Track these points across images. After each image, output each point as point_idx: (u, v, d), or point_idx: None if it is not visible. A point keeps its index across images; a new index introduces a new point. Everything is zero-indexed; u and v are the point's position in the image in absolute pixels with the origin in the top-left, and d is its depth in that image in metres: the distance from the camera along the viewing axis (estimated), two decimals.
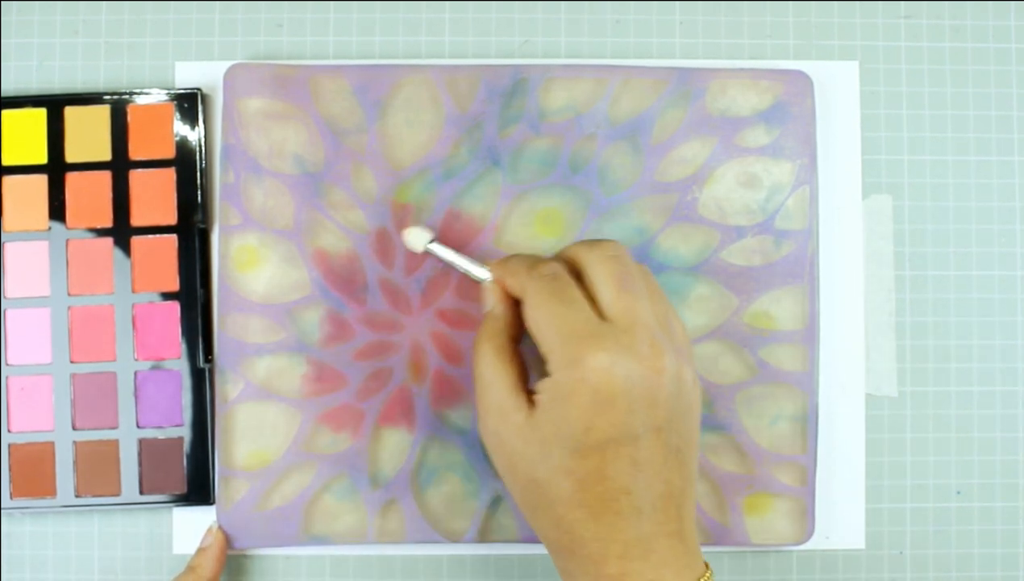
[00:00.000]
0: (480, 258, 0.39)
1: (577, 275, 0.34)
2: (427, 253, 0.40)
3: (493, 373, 0.34)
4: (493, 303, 0.36)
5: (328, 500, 0.41)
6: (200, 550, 0.40)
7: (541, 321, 0.33)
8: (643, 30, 0.43)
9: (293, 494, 0.41)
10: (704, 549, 0.42)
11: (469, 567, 0.42)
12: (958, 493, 0.43)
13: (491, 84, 0.42)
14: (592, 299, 0.33)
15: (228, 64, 0.42)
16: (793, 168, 0.42)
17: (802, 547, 0.42)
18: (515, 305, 0.35)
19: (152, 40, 0.43)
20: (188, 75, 0.43)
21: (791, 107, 0.42)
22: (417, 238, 0.40)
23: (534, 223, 0.42)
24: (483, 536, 0.41)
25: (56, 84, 0.43)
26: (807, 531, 0.41)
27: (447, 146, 0.42)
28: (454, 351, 0.42)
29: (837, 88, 0.43)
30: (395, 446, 0.41)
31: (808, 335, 0.42)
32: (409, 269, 0.42)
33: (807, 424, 0.42)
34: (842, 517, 0.43)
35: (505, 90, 0.42)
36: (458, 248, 0.41)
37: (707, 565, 0.34)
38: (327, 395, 0.41)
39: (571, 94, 0.42)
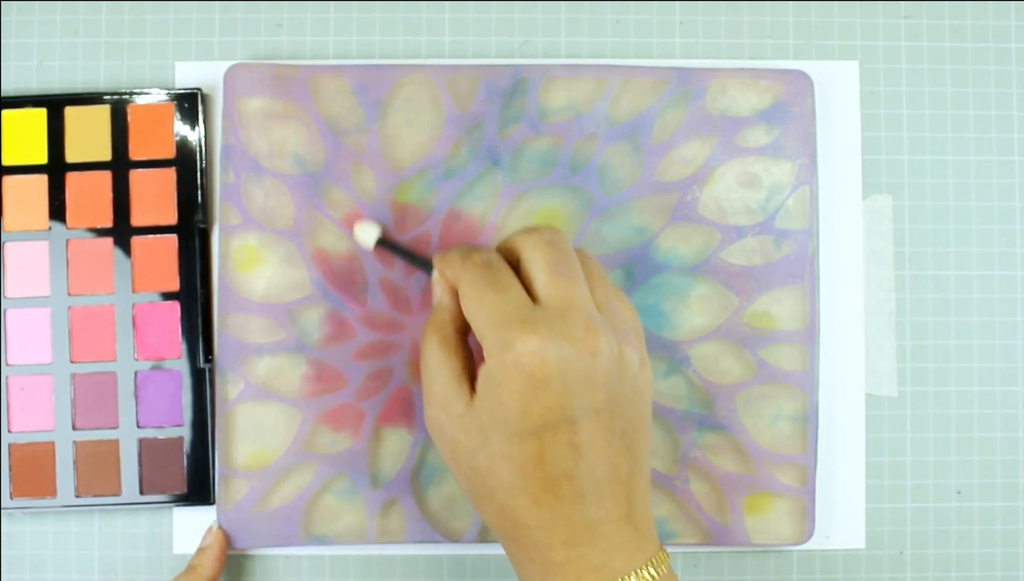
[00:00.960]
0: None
1: (515, 264, 0.34)
2: (378, 248, 0.40)
3: (437, 363, 0.34)
4: (439, 295, 0.36)
5: (328, 500, 0.41)
6: (200, 550, 0.40)
7: (474, 309, 0.33)
8: (643, 30, 0.43)
9: (293, 494, 0.41)
10: (704, 549, 0.42)
11: (469, 567, 0.42)
12: (958, 493, 0.43)
13: (491, 84, 0.42)
14: (527, 285, 0.33)
15: (228, 64, 0.42)
16: (793, 168, 0.42)
17: (802, 547, 0.42)
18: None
19: (152, 40, 0.43)
20: (188, 75, 0.43)
21: (791, 107, 0.42)
22: (366, 234, 0.40)
23: (534, 223, 0.42)
24: (483, 536, 0.41)
25: (56, 84, 0.43)
26: (807, 531, 0.41)
27: (447, 146, 0.42)
28: None
29: (837, 88, 0.43)
30: (395, 446, 0.41)
31: (808, 335, 0.42)
32: (409, 269, 0.42)
33: (807, 424, 0.42)
34: (842, 517, 0.43)
35: (505, 90, 0.42)
36: None
37: (662, 547, 0.34)
38: (327, 395, 0.41)
39: (571, 94, 0.42)
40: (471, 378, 0.34)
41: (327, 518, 0.41)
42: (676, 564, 0.42)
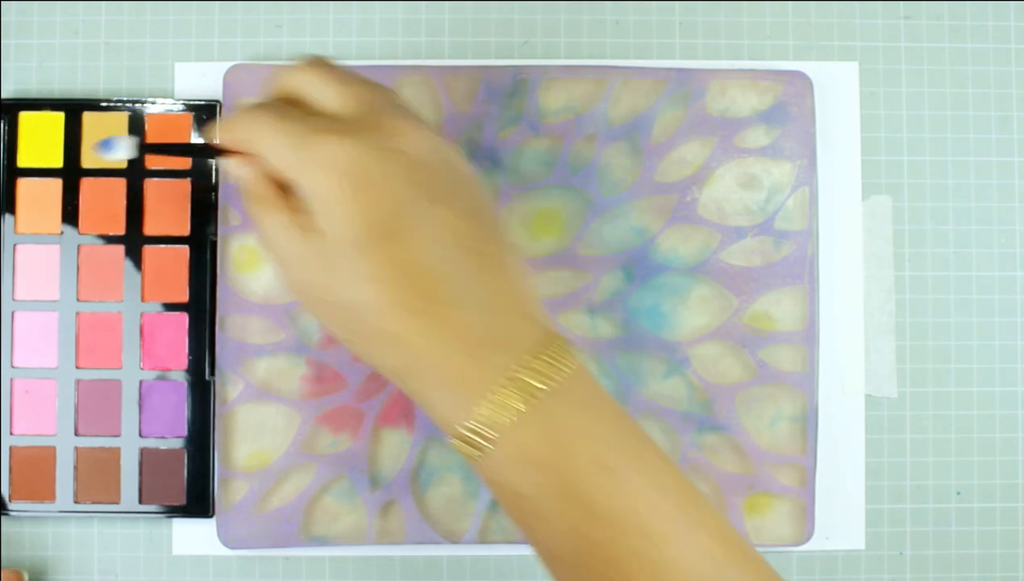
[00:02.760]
0: None
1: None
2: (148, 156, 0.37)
3: (271, 221, 0.31)
4: (239, 171, 0.32)
5: (328, 501, 0.41)
6: None
7: (276, 148, 0.30)
8: (643, 31, 0.43)
9: (293, 495, 0.41)
10: None
11: (469, 567, 0.42)
12: (958, 494, 0.43)
13: (491, 85, 0.42)
14: (320, 112, 0.31)
15: (228, 65, 0.42)
16: (793, 169, 0.42)
17: (802, 548, 0.42)
18: (258, 162, 0.32)
19: (152, 41, 0.43)
20: (188, 76, 0.43)
21: (791, 108, 0.42)
22: (123, 148, 0.34)
23: (534, 223, 0.42)
24: (483, 537, 0.41)
25: (56, 85, 0.43)
26: (807, 532, 0.41)
27: None
28: None
29: (837, 89, 0.43)
30: (395, 447, 0.41)
31: (808, 336, 0.42)
32: None
33: (807, 425, 0.42)
34: (842, 518, 0.42)
35: (505, 91, 0.42)
36: None
37: (566, 339, 0.31)
38: (327, 396, 0.41)
39: (571, 94, 0.42)
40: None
41: (327, 519, 0.41)
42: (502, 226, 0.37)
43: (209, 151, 0.34)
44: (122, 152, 0.33)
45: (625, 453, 0.29)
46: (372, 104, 0.31)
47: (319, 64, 0.32)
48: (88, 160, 0.42)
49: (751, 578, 0.29)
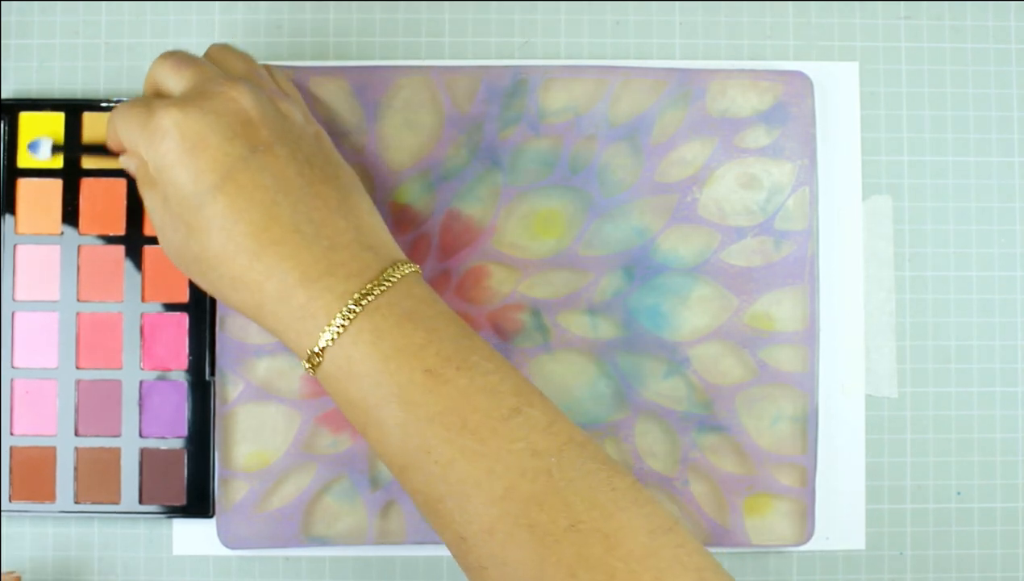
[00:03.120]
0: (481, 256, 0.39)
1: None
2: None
3: (147, 207, 0.35)
4: (125, 163, 0.37)
5: (328, 501, 0.41)
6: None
7: (129, 130, 0.34)
8: (643, 31, 0.43)
9: (293, 495, 0.41)
10: None
11: None
12: (958, 494, 0.43)
13: (491, 85, 0.42)
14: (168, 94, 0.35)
15: None
16: (793, 169, 0.42)
17: (802, 548, 0.42)
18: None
19: (152, 41, 0.43)
20: None
21: (791, 108, 0.42)
22: (46, 147, 0.41)
23: (534, 224, 0.42)
24: None
25: (56, 85, 0.43)
26: (807, 532, 0.41)
27: (446, 147, 0.42)
28: None
29: (837, 89, 0.43)
30: None
31: (808, 336, 0.42)
32: None
33: (807, 425, 0.42)
34: (842, 518, 0.42)
35: (505, 91, 0.42)
36: (458, 249, 0.41)
37: (407, 261, 0.34)
38: (327, 396, 0.41)
39: (571, 95, 0.42)
40: None
41: (327, 519, 0.41)
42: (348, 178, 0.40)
43: (106, 150, 0.38)
44: (44, 152, 0.40)
45: (448, 358, 0.32)
46: (205, 77, 0.34)
47: (168, 55, 0.35)
48: (88, 160, 0.42)
49: (576, 469, 0.31)
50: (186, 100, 0.33)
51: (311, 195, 0.33)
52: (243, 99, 0.33)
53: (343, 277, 0.32)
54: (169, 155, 0.33)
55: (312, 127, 0.36)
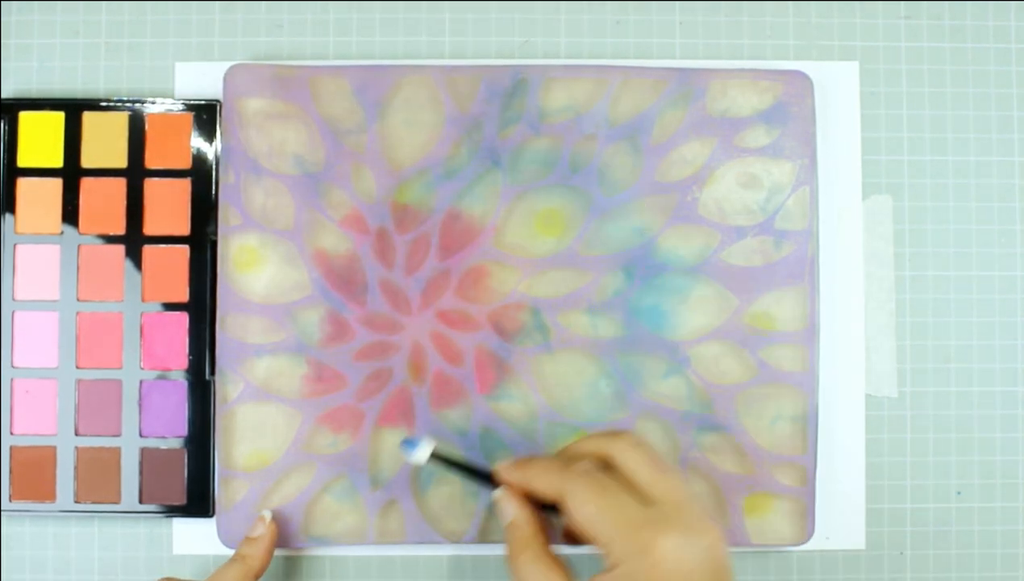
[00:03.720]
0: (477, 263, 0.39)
1: (605, 467, 0.35)
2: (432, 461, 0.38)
3: (532, 577, 0.34)
4: (512, 511, 0.36)
5: (328, 501, 0.41)
6: (250, 539, 0.40)
7: (594, 516, 0.33)
8: (643, 30, 0.43)
9: (293, 495, 0.41)
10: None
11: (469, 567, 0.42)
12: (958, 494, 0.43)
13: (491, 84, 0.42)
14: (630, 487, 0.34)
15: (228, 65, 0.42)
16: (793, 168, 0.42)
17: (802, 547, 0.42)
18: (534, 508, 0.36)
19: (152, 41, 0.43)
20: (188, 76, 0.43)
21: (791, 107, 0.42)
22: (421, 452, 0.37)
23: (534, 223, 0.42)
24: (483, 536, 0.41)
25: (56, 85, 0.43)
26: (807, 531, 0.41)
27: (447, 146, 0.42)
28: (454, 352, 0.42)
29: (837, 88, 0.43)
30: (395, 447, 0.41)
31: (808, 335, 0.42)
32: (409, 269, 0.42)
33: (807, 424, 0.42)
34: (842, 517, 0.43)
35: (505, 90, 0.42)
36: (458, 249, 0.41)
37: None
38: (327, 395, 0.41)
39: (571, 94, 0.42)
40: None
41: (327, 519, 0.41)
42: None
43: (493, 481, 0.37)
44: (420, 455, 0.37)
45: None
46: (686, 499, 0.34)
47: (637, 443, 0.35)
48: (88, 160, 0.42)
49: None
50: (682, 527, 0.33)
51: None
52: (721, 545, 0.33)
53: None
54: (650, 580, 0.32)
55: None
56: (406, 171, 0.42)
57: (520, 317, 0.42)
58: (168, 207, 0.42)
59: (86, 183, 0.42)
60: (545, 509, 0.35)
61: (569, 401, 0.42)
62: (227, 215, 0.41)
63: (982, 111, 0.44)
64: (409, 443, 0.37)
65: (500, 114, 0.42)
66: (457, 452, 0.41)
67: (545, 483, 0.35)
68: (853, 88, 0.43)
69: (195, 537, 0.42)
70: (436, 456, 0.37)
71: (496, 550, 0.42)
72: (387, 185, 0.42)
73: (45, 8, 0.43)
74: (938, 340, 0.43)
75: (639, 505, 0.33)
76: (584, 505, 0.34)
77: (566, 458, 0.36)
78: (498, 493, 0.36)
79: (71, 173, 0.42)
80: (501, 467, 0.36)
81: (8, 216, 0.42)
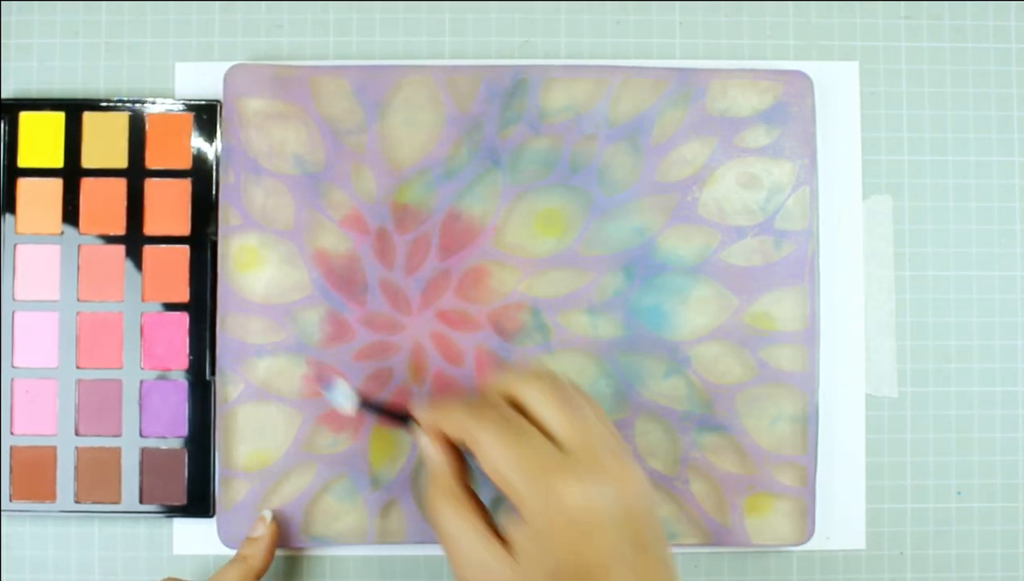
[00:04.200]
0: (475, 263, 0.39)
1: (517, 408, 0.34)
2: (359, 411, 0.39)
3: (459, 525, 0.33)
4: (432, 452, 0.35)
5: (328, 501, 0.41)
6: (251, 539, 0.40)
7: (500, 462, 0.32)
8: (643, 30, 0.43)
9: (293, 495, 0.41)
10: (704, 549, 0.42)
11: None
12: (958, 494, 0.43)
13: (491, 84, 0.42)
14: (542, 429, 0.33)
15: (228, 65, 0.42)
16: (793, 168, 0.42)
17: (802, 547, 0.42)
18: (454, 448, 0.35)
19: (152, 41, 0.43)
20: (188, 76, 0.43)
21: (791, 107, 0.42)
22: (344, 399, 0.38)
23: (534, 223, 0.42)
24: None
25: (56, 85, 0.43)
26: (807, 531, 0.41)
27: (447, 146, 0.42)
28: (454, 352, 0.42)
29: (837, 88, 0.43)
30: (395, 447, 0.41)
31: (808, 335, 0.42)
32: (409, 269, 0.42)
33: (807, 424, 0.42)
34: (842, 517, 0.43)
35: (505, 90, 0.42)
36: (458, 249, 0.41)
37: None
38: None
39: (571, 94, 0.42)
40: (496, 533, 0.33)
41: (327, 519, 0.41)
42: (676, 565, 0.42)
43: (407, 421, 0.36)
44: (342, 401, 0.37)
45: None
46: (599, 442, 0.32)
47: (549, 385, 0.33)
48: (88, 160, 0.42)
49: None
50: (590, 471, 0.32)
51: None
52: (637, 487, 0.32)
53: None
54: (558, 526, 0.31)
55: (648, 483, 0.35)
56: (406, 171, 0.42)
57: (520, 317, 0.42)
58: (168, 207, 0.42)
59: (86, 183, 0.42)
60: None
61: None
62: (227, 215, 0.41)
63: (982, 111, 0.44)
64: (326, 387, 0.38)
65: (500, 114, 0.42)
66: (378, 394, 0.41)
67: (454, 426, 0.34)
68: (853, 88, 0.43)
69: (195, 537, 0.42)
70: (363, 404, 0.37)
71: None
72: (387, 185, 0.42)
73: (45, 8, 0.43)
74: (938, 340, 0.43)
75: (547, 450, 0.32)
76: (488, 449, 0.32)
77: (481, 398, 0.34)
78: (417, 432, 0.35)
79: (71, 173, 0.42)
80: (418, 409, 0.35)
81: (8, 216, 0.42)
